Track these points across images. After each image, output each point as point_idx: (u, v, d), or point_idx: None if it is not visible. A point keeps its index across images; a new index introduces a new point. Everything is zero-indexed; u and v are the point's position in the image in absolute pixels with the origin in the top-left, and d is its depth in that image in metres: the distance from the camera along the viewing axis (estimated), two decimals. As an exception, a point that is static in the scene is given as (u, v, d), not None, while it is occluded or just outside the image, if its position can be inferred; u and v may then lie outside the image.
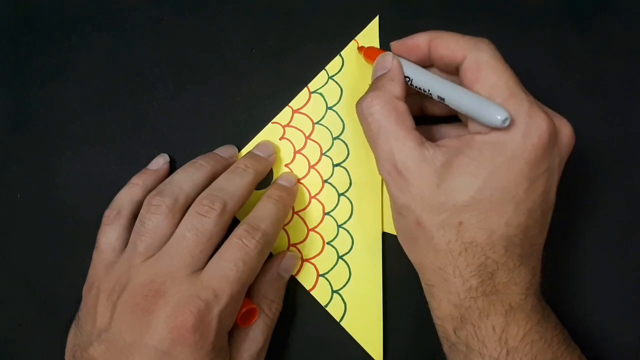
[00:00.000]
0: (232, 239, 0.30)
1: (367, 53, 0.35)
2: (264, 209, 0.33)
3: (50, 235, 0.37)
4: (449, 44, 0.29)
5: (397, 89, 0.30)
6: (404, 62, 0.31)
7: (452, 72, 0.30)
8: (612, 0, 0.37)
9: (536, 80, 0.36)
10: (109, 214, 0.33)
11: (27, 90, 0.38)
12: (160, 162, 0.36)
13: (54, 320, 0.36)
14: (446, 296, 0.28)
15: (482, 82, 0.28)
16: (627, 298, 0.35)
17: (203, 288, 0.28)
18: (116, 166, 0.37)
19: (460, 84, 0.29)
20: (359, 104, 0.30)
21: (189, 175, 0.33)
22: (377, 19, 0.36)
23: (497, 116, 0.26)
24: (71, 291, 0.34)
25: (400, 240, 0.31)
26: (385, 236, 0.36)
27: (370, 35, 0.36)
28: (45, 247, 0.37)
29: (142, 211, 0.31)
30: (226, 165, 0.34)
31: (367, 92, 0.30)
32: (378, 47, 0.36)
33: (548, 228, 0.29)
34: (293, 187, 0.35)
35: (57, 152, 0.38)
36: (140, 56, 0.38)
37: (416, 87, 0.31)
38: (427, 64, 0.32)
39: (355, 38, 0.36)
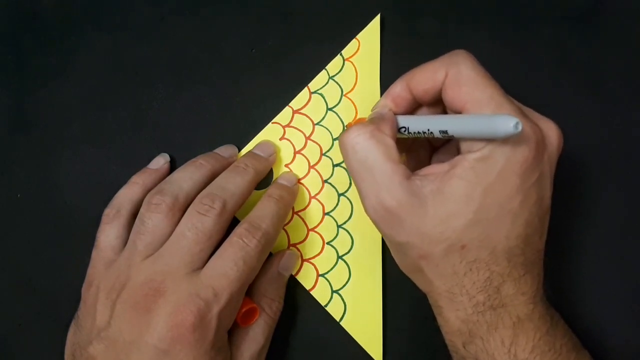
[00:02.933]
0: (233, 238, 0.30)
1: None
2: (265, 208, 0.33)
3: (50, 235, 0.37)
4: (425, 74, 0.28)
5: (386, 127, 0.28)
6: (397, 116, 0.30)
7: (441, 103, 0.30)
8: (612, 0, 0.37)
9: (536, 80, 0.36)
10: (108, 212, 0.33)
11: (27, 90, 0.38)
12: (161, 161, 0.36)
13: (54, 320, 0.36)
14: (454, 313, 0.28)
15: (464, 98, 0.27)
16: (627, 298, 0.35)
17: (203, 287, 0.28)
18: (116, 166, 0.37)
19: (446, 107, 0.28)
20: (343, 135, 0.28)
21: (189, 174, 0.33)
22: (378, 17, 0.36)
23: (509, 124, 0.25)
24: (71, 291, 0.34)
25: (403, 270, 0.30)
26: (385, 236, 0.36)
27: (371, 34, 0.36)
28: (45, 247, 0.37)
29: (142, 210, 0.31)
30: (226, 165, 0.34)
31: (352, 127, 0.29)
32: (378, 46, 0.36)
33: (547, 232, 0.29)
34: (293, 187, 0.35)
35: (57, 152, 0.38)
36: (140, 56, 0.38)
37: (415, 132, 0.29)
38: (415, 109, 0.31)
39: (357, 37, 0.36)
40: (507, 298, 0.27)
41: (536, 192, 0.27)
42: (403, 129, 0.30)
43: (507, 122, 0.25)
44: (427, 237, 0.27)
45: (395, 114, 0.30)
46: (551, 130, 0.28)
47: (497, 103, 0.26)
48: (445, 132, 0.27)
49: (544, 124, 0.28)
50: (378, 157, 0.27)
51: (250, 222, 0.31)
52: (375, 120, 0.29)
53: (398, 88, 0.30)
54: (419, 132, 0.29)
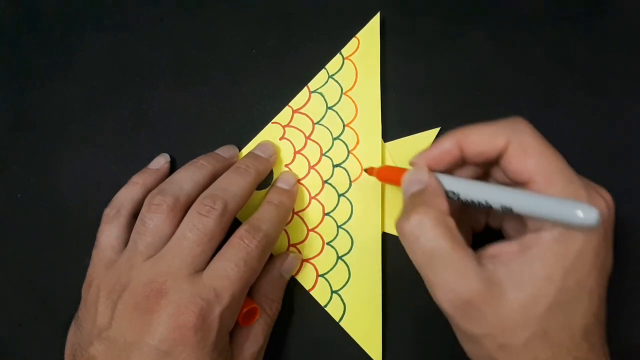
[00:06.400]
0: (234, 239, 0.30)
1: (382, 174, 0.32)
2: (265, 212, 0.33)
3: (50, 235, 0.37)
4: (483, 138, 0.27)
5: (443, 204, 0.27)
6: (441, 175, 0.28)
7: (491, 164, 0.28)
8: (612, 0, 0.37)
9: (536, 80, 0.36)
10: (108, 212, 0.33)
11: (27, 90, 0.38)
12: (161, 161, 0.36)
13: (54, 320, 0.36)
14: None
15: (532, 170, 0.26)
16: (627, 298, 0.35)
17: (204, 288, 0.28)
18: (116, 166, 0.37)
19: (504, 174, 0.27)
20: (405, 222, 0.26)
21: (190, 175, 0.33)
22: (377, 16, 0.36)
23: (592, 217, 0.23)
24: (71, 291, 0.34)
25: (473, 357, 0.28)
26: (385, 236, 0.36)
27: (371, 32, 0.36)
28: (45, 247, 0.37)
29: (142, 210, 0.31)
30: (227, 165, 0.34)
31: (409, 210, 0.27)
32: (378, 44, 0.36)
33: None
34: (293, 189, 0.35)
35: (57, 152, 0.38)
36: (140, 56, 0.38)
37: (466, 200, 0.27)
38: (457, 167, 0.30)
39: (356, 35, 0.36)
40: None
41: (606, 264, 0.26)
42: (452, 193, 0.28)
43: (589, 214, 0.24)
44: (508, 327, 0.25)
45: (434, 170, 0.29)
46: (608, 198, 0.27)
47: (567, 178, 0.26)
48: (510, 209, 0.26)
49: (602, 192, 0.27)
50: (446, 246, 0.25)
51: (251, 224, 0.31)
52: (427, 197, 0.27)
53: (448, 144, 0.28)
54: (471, 202, 0.27)
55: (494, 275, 0.25)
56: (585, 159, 0.36)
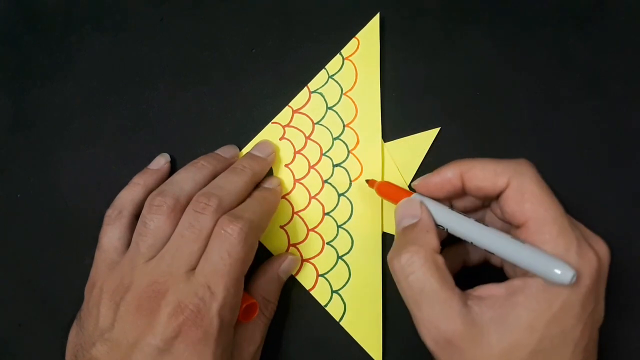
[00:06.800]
0: (216, 229, 0.30)
1: (382, 189, 0.33)
2: (247, 203, 0.32)
3: (50, 235, 0.37)
4: (486, 175, 0.28)
5: (433, 241, 0.28)
6: (434, 207, 0.29)
7: (491, 199, 0.29)
8: (612, 1, 0.37)
9: (536, 80, 0.36)
10: (110, 213, 0.33)
11: (27, 90, 0.38)
12: (162, 161, 0.36)
13: (54, 320, 0.36)
14: None
15: (528, 215, 0.26)
16: (627, 297, 0.35)
17: (199, 286, 0.29)
18: (116, 166, 0.37)
19: (501, 212, 0.28)
20: (396, 259, 0.28)
21: (190, 176, 0.33)
22: (377, 16, 0.36)
23: (567, 276, 0.24)
24: (71, 291, 0.34)
25: None
26: (385, 236, 0.36)
27: (370, 33, 0.36)
28: (45, 247, 0.37)
29: (143, 211, 0.31)
30: (227, 166, 0.34)
31: (400, 246, 0.28)
32: (378, 45, 0.36)
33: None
34: (277, 188, 0.35)
35: (57, 152, 0.38)
36: (140, 56, 0.38)
37: (453, 233, 0.28)
38: (458, 197, 0.30)
39: (356, 36, 0.36)
40: None
41: (594, 316, 0.27)
42: (440, 227, 0.29)
43: (565, 273, 0.24)
44: None
45: (434, 196, 0.29)
46: (602, 250, 0.27)
47: (560, 229, 0.26)
48: (492, 253, 0.27)
49: (595, 243, 0.27)
50: (434, 285, 0.26)
51: (232, 213, 0.31)
52: (418, 234, 0.28)
53: (450, 174, 0.29)
54: (458, 235, 0.28)
55: (479, 317, 0.26)
56: (585, 159, 0.36)
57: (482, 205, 0.31)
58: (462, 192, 0.29)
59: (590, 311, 0.26)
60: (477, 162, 0.28)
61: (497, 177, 0.27)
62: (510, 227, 0.28)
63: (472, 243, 0.28)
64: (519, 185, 0.27)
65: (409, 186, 0.35)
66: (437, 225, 0.29)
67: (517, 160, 0.28)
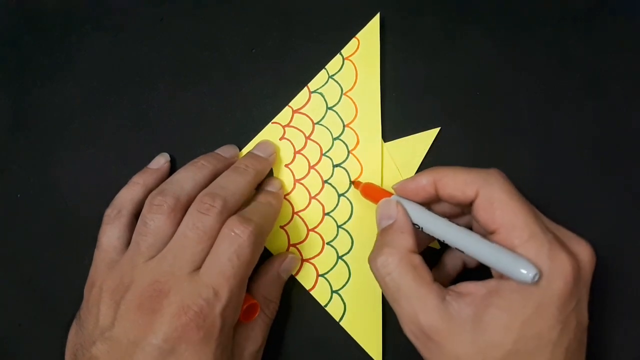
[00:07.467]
0: (224, 230, 0.30)
1: (366, 190, 0.34)
2: (254, 207, 0.33)
3: (50, 235, 0.37)
4: (456, 184, 0.28)
5: (408, 241, 0.29)
6: (410, 207, 0.30)
7: (465, 207, 0.30)
8: (612, 1, 0.37)
9: (536, 80, 0.36)
10: (109, 212, 0.33)
11: (27, 90, 0.38)
12: (161, 161, 0.36)
13: (54, 320, 0.36)
14: None
15: (498, 222, 0.27)
16: (627, 298, 0.35)
17: (204, 286, 0.29)
18: (116, 166, 0.37)
19: (475, 221, 0.28)
20: (373, 261, 0.29)
21: (190, 175, 0.33)
22: (377, 16, 0.36)
23: (528, 275, 0.25)
24: (71, 291, 0.34)
25: None
26: (385, 236, 0.36)
27: (370, 33, 0.36)
28: (45, 247, 0.37)
29: (143, 211, 0.31)
30: (228, 165, 0.34)
31: (378, 248, 0.29)
32: (378, 45, 0.36)
33: (586, 347, 0.28)
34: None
35: (57, 152, 0.38)
36: (140, 56, 0.38)
37: (429, 233, 0.29)
38: (435, 202, 0.31)
39: (356, 36, 0.36)
40: None
41: (575, 318, 0.27)
42: (417, 226, 0.30)
43: (527, 272, 0.25)
44: None
45: (414, 199, 0.30)
46: (584, 253, 0.28)
47: (530, 232, 0.26)
48: (462, 252, 0.28)
49: (576, 245, 0.28)
50: (411, 283, 0.27)
51: (242, 215, 0.31)
52: (394, 235, 0.29)
53: (424, 181, 0.30)
54: (431, 234, 0.29)
55: (457, 313, 0.27)
56: (585, 159, 0.36)
57: (462, 212, 0.32)
58: (438, 199, 0.30)
59: (569, 313, 0.26)
60: (450, 171, 0.29)
61: (467, 187, 0.28)
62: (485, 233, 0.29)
63: (444, 241, 0.29)
64: (487, 194, 0.27)
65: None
66: (414, 224, 0.30)
67: (487, 170, 0.28)
